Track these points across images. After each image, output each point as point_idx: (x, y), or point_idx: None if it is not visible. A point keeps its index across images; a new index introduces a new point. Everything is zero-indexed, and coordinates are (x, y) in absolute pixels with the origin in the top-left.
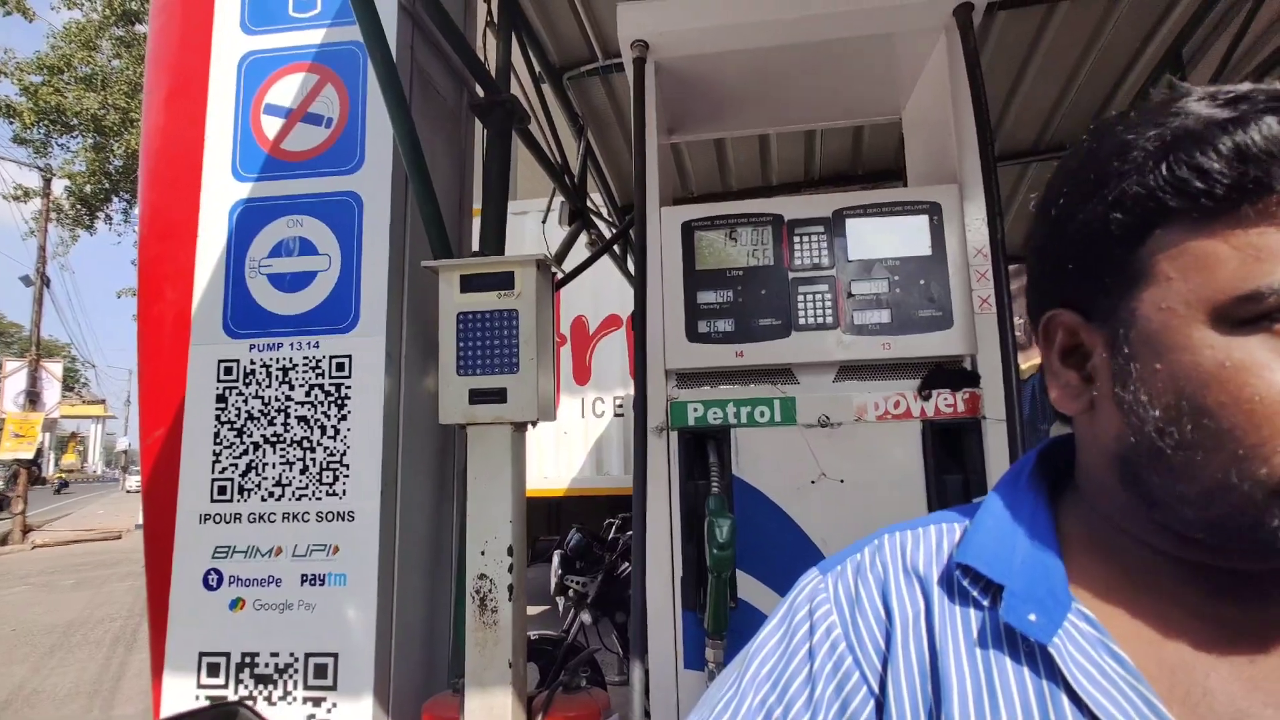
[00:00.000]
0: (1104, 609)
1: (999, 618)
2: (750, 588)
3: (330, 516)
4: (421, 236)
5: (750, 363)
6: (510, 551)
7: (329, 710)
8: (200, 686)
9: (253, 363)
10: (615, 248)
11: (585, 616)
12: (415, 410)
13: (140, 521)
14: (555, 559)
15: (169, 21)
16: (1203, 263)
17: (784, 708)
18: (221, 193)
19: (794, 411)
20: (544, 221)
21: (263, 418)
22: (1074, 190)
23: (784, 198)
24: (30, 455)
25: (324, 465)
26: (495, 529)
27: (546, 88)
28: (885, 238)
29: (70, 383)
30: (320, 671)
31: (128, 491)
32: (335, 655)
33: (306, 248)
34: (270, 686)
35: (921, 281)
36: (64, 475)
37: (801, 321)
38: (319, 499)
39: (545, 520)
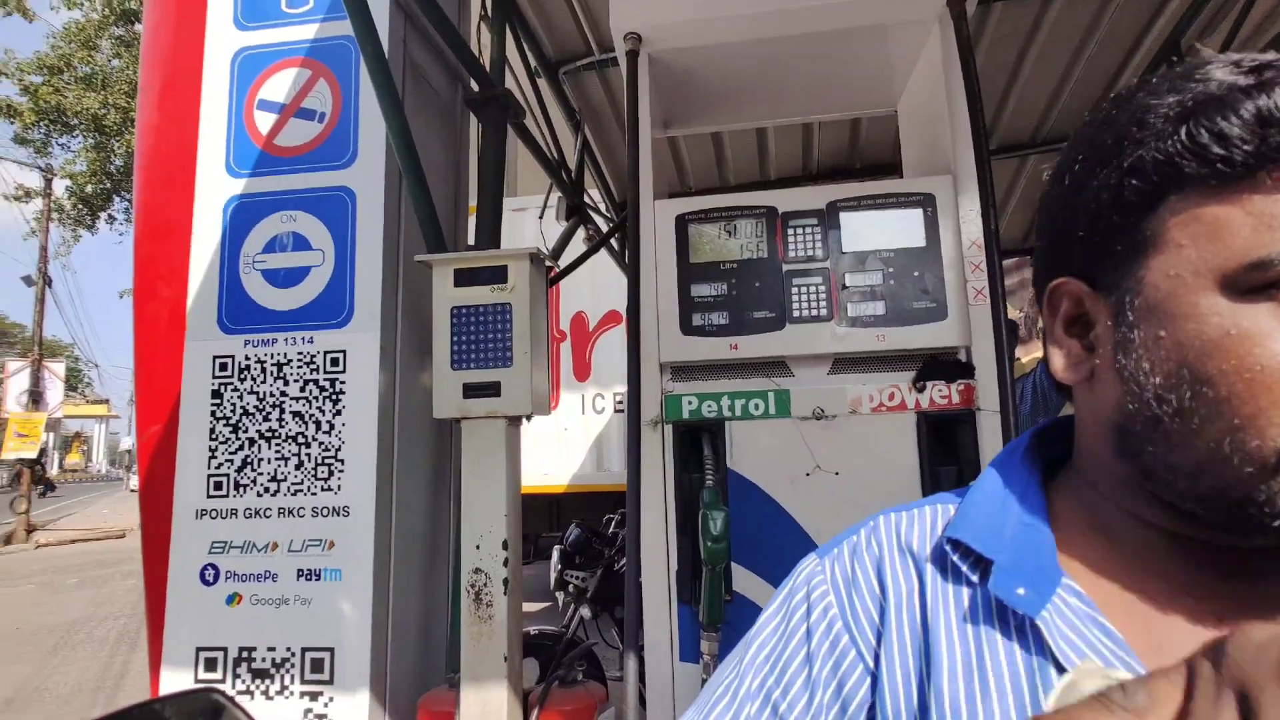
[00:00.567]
0: (1094, 584)
1: (989, 593)
2: (745, 580)
3: (325, 512)
4: (416, 231)
5: (744, 355)
6: (505, 545)
7: (326, 704)
8: (198, 681)
9: (247, 358)
10: (613, 243)
11: (585, 611)
12: (410, 405)
13: None
14: (555, 554)
15: (162, 19)
16: (1215, 229)
17: (782, 689)
18: (215, 189)
19: (788, 404)
20: (540, 217)
21: (258, 413)
22: (1090, 156)
23: (778, 190)
24: (34, 455)
25: (319, 460)
26: (490, 523)
27: (542, 82)
28: (879, 230)
29: (73, 383)
30: (317, 666)
31: (131, 491)
32: (331, 650)
33: (300, 243)
34: (268, 681)
35: (916, 273)
36: (52, 477)
37: (795, 314)
38: (314, 494)
39: (547, 517)
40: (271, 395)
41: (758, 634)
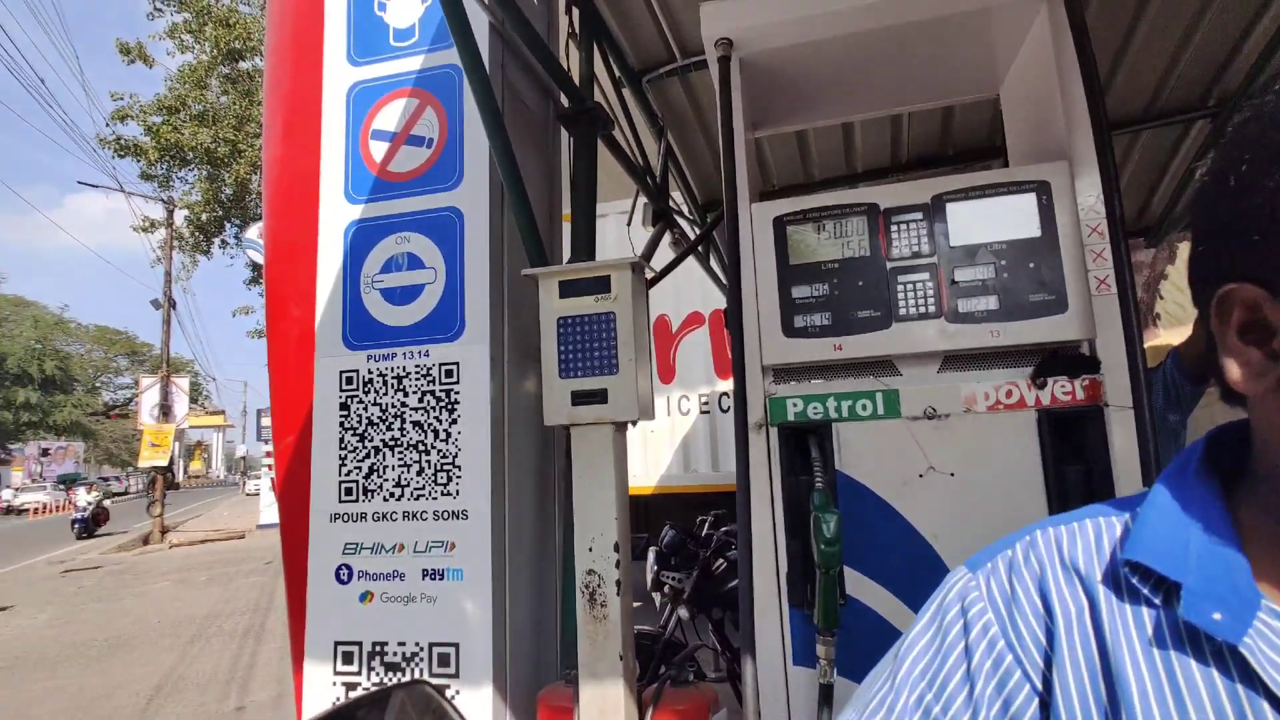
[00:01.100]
0: None
1: (1176, 616)
2: (858, 584)
3: (446, 515)
4: (517, 245)
5: (849, 356)
6: (616, 548)
7: (453, 697)
8: (336, 674)
9: (370, 372)
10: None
11: (682, 612)
12: (518, 412)
13: (261, 522)
14: (650, 555)
15: (282, 60)
16: None
17: (942, 706)
18: (336, 215)
19: (897, 404)
20: (629, 223)
21: (381, 423)
22: (1260, 157)
23: (878, 186)
24: (165, 463)
25: (438, 467)
26: (601, 526)
27: (626, 92)
28: (989, 221)
29: (194, 395)
30: (444, 660)
31: (247, 495)
32: (456, 645)
33: (414, 262)
34: (399, 674)
35: (1031, 264)
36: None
37: (902, 312)
38: (435, 499)
39: (634, 518)
40: (393, 406)
41: (909, 649)
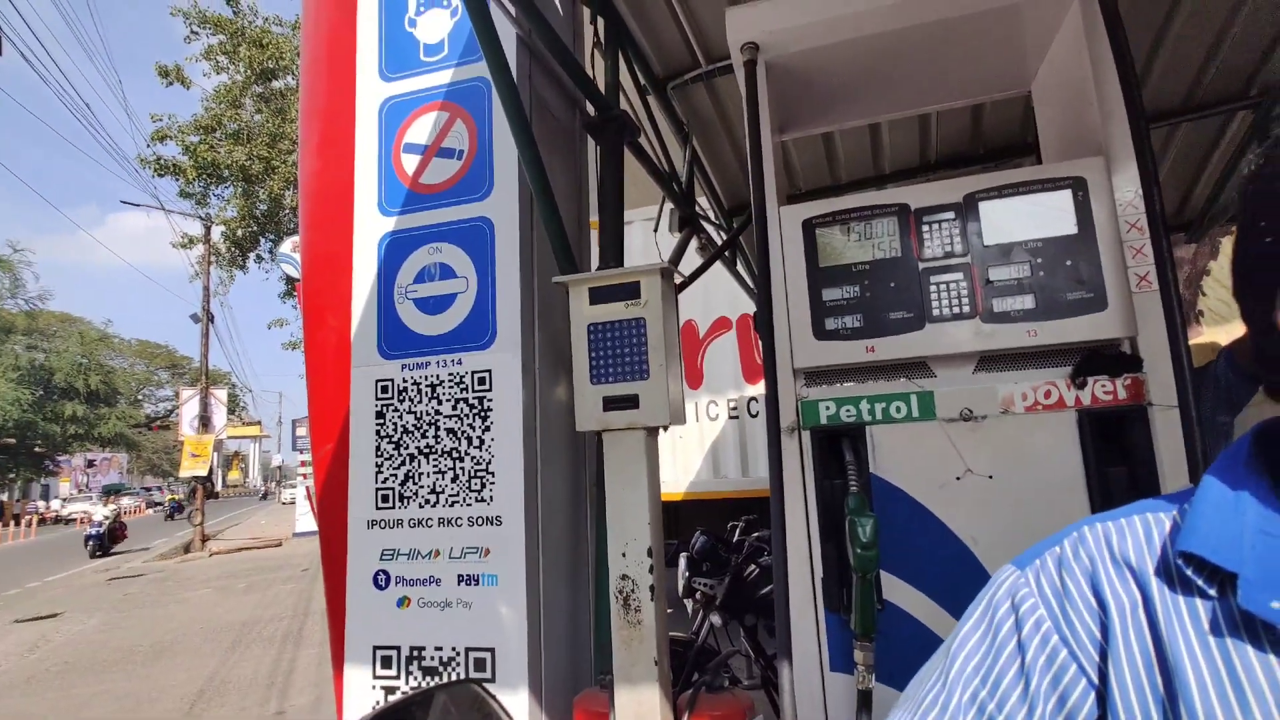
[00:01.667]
0: None
1: (1233, 606)
2: (896, 588)
3: (480, 521)
4: (546, 253)
5: (882, 358)
6: (650, 553)
7: None
8: (375, 677)
9: (405, 381)
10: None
11: (714, 618)
12: (549, 419)
13: (297, 530)
14: (682, 561)
15: (316, 77)
16: None
17: (997, 702)
18: (370, 227)
19: (933, 406)
20: (655, 229)
21: (416, 431)
22: None
23: (908, 186)
24: (205, 473)
25: (472, 474)
26: (635, 531)
27: (651, 99)
28: (1024, 219)
29: (232, 406)
30: (480, 665)
31: (283, 503)
32: (492, 650)
33: (446, 272)
34: (436, 678)
35: (1068, 262)
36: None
37: (935, 313)
38: (469, 505)
39: (665, 525)
40: (427, 414)
41: (960, 647)
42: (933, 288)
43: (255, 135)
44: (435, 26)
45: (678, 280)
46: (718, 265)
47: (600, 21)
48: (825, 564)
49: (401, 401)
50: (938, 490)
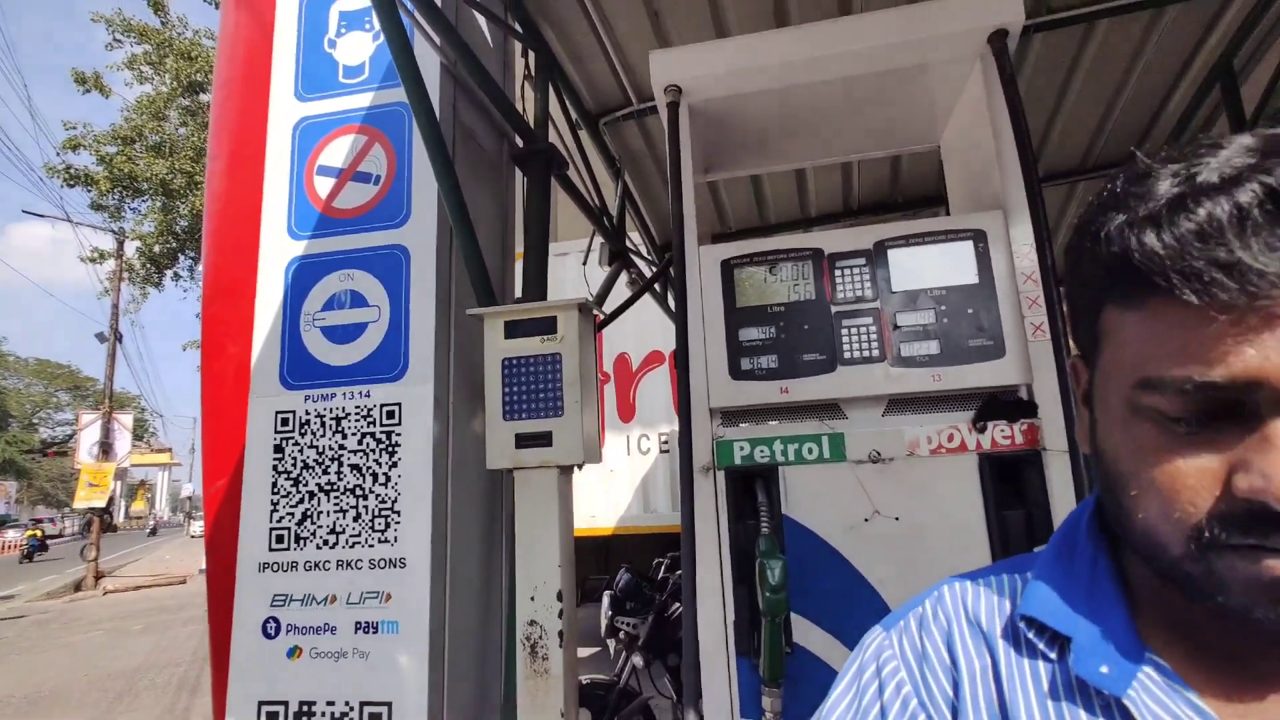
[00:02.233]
0: (1178, 658)
1: (1069, 670)
2: (806, 631)
3: (383, 563)
4: (466, 284)
5: (796, 399)
6: (560, 597)
7: None
8: None
9: (308, 413)
10: (655, 285)
11: (637, 659)
12: (463, 455)
13: (204, 566)
14: (605, 600)
15: (230, 95)
16: (1124, 340)
17: None
18: (278, 251)
19: (843, 447)
20: (584, 263)
21: (317, 466)
22: (1067, 258)
23: (823, 231)
24: (103, 504)
25: (376, 512)
26: (545, 574)
27: (583, 134)
28: (929, 267)
29: (139, 432)
30: None
31: (191, 537)
32: (389, 704)
33: (357, 300)
34: None
35: (970, 310)
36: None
37: (846, 355)
38: (372, 546)
39: (594, 559)
40: (330, 449)
41: (831, 710)
42: (844, 331)
43: (179, 149)
44: (356, 49)
45: (601, 316)
46: (652, 300)
47: (531, 55)
48: (737, 606)
49: (303, 435)
50: (847, 532)
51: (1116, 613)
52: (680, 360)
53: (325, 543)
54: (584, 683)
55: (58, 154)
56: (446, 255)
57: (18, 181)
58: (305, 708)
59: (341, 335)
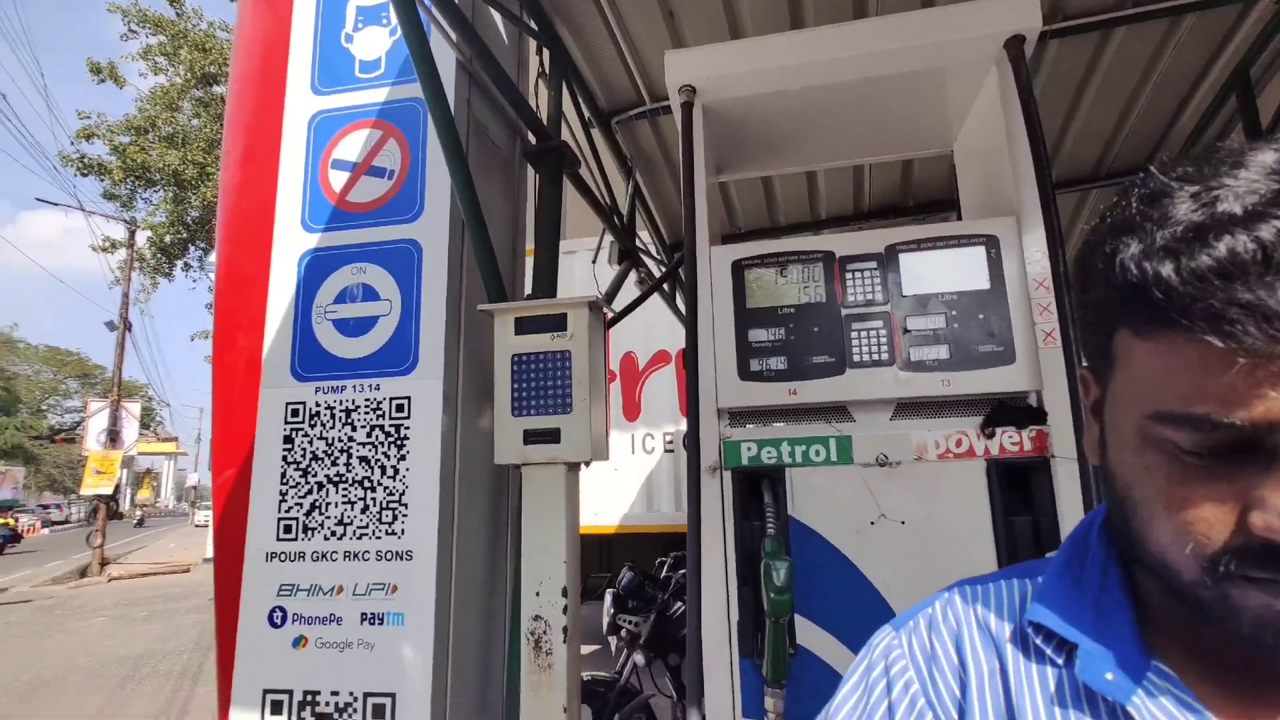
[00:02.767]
0: (1185, 665)
1: (1076, 676)
2: (810, 634)
3: (389, 555)
4: (477, 280)
5: (804, 400)
6: (565, 593)
7: None
8: None
9: (318, 404)
10: (664, 285)
11: (638, 658)
12: (471, 450)
13: (208, 555)
14: (608, 598)
15: (245, 88)
16: (1133, 367)
17: None
18: (291, 243)
19: (850, 450)
20: (594, 261)
21: (326, 458)
22: (1077, 274)
23: (834, 234)
24: (110, 491)
25: (384, 505)
26: (550, 570)
27: (596, 132)
28: (941, 272)
29: (146, 421)
30: (379, 712)
31: (196, 525)
32: (393, 695)
33: (369, 294)
34: None
35: (980, 316)
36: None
37: (856, 358)
38: (379, 538)
39: (596, 558)
40: (340, 440)
41: (839, 709)
42: (854, 334)
43: (192, 140)
44: (373, 44)
45: (610, 314)
46: (660, 299)
47: (545, 53)
48: (741, 607)
49: (313, 426)
50: (853, 535)
51: (1124, 621)
52: (689, 360)
53: (333, 534)
54: (585, 679)
55: (72, 142)
56: (458, 250)
57: (32, 170)
58: (309, 697)
59: (353, 328)
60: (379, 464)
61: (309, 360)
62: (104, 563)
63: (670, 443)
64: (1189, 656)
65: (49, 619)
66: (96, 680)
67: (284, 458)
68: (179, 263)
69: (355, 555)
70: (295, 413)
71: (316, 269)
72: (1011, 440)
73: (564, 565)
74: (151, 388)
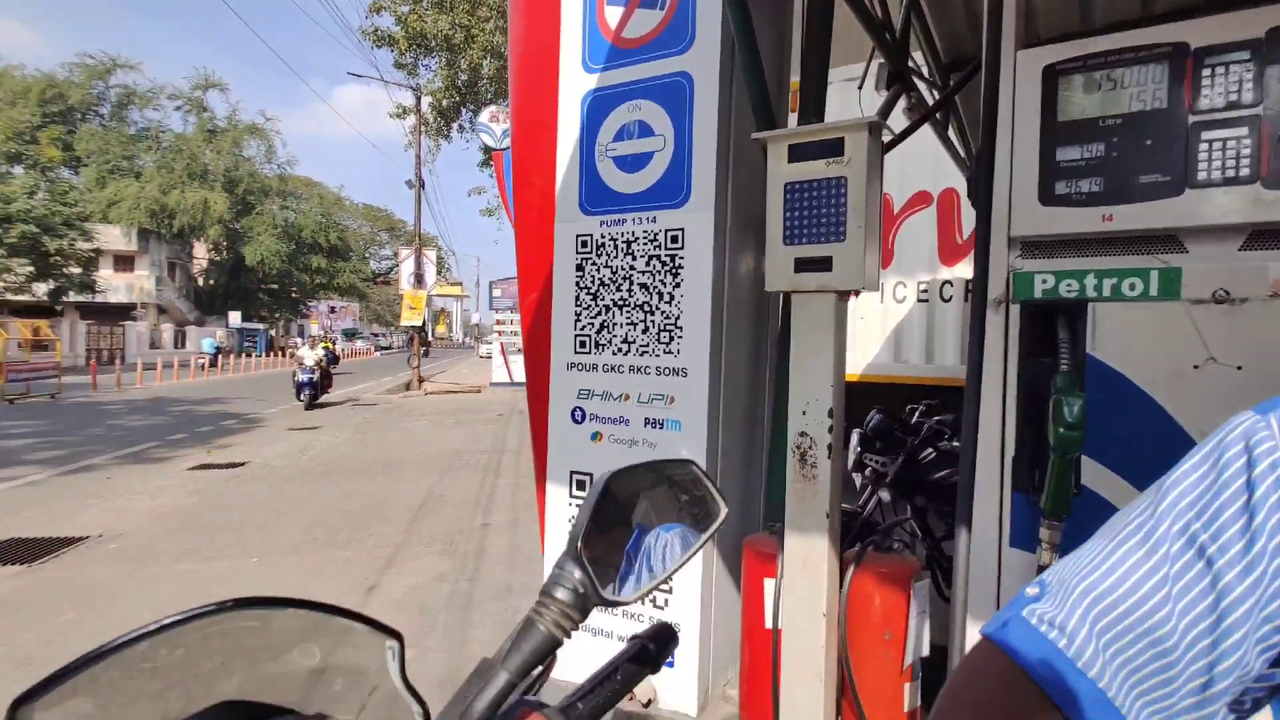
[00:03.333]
0: None
1: None
2: (1098, 476)
3: (667, 371)
4: (744, 112)
5: (1120, 228)
6: (830, 414)
7: None
8: (571, 496)
9: (603, 236)
10: (936, 115)
11: (883, 494)
12: (737, 279)
13: (493, 381)
14: (854, 437)
15: None
16: None
17: (1212, 534)
18: (574, 86)
19: (1178, 284)
20: (860, 86)
21: (611, 284)
22: None
23: (1191, 20)
24: (420, 324)
25: (661, 327)
26: (817, 391)
27: None
28: None
29: (439, 267)
30: None
31: (481, 357)
32: None
33: (644, 130)
34: None
35: None
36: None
37: (1201, 176)
38: (658, 356)
39: None
40: (622, 269)
41: (1176, 484)
42: (1203, 146)
43: (456, 3)
44: None
45: (886, 138)
46: (919, 135)
47: None
48: (1019, 443)
49: (599, 256)
50: (1169, 379)
51: None
52: (981, 183)
53: (619, 350)
54: None
55: (365, 17)
56: (728, 82)
57: (346, 46)
58: None
59: (630, 164)
60: (656, 290)
61: (594, 195)
62: (420, 381)
63: (925, 292)
64: None
65: (389, 419)
66: (429, 466)
67: (576, 283)
68: (454, 124)
69: (638, 369)
70: (584, 244)
71: (597, 108)
72: None
73: (831, 388)
74: (440, 239)
